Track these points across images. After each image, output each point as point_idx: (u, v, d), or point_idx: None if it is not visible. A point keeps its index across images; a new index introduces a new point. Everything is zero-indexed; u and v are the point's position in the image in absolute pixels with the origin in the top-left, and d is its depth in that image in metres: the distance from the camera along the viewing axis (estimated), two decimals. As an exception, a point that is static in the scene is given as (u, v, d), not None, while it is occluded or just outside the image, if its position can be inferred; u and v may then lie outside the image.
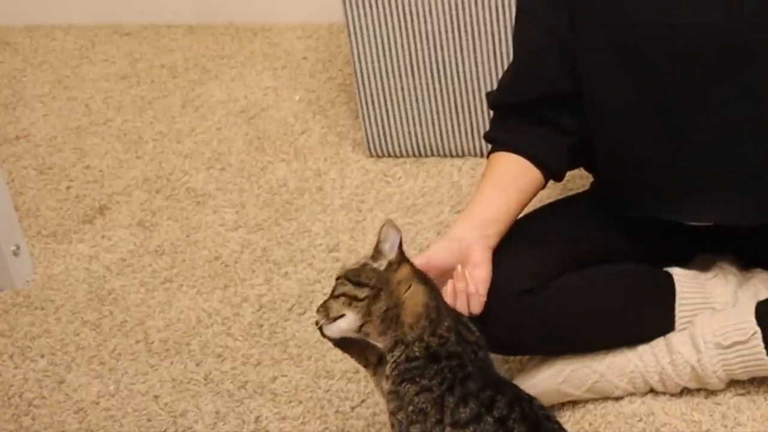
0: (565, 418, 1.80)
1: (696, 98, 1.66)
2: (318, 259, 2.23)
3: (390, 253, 1.51)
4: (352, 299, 1.50)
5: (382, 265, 1.51)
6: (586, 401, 1.81)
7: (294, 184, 2.45)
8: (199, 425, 1.91)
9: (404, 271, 1.52)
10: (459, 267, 1.61)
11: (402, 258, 1.52)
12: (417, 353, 1.49)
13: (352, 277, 1.51)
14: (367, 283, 1.50)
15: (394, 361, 1.50)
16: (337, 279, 1.53)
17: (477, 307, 1.61)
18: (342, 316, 1.51)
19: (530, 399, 1.50)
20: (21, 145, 2.72)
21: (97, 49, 3.09)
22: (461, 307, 1.60)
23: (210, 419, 1.91)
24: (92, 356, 2.08)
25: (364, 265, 1.52)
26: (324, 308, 1.52)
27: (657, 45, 1.65)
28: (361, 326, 1.50)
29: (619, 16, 1.66)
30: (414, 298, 1.51)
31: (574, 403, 1.82)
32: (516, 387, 1.53)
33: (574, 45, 1.70)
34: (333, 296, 1.52)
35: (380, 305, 1.49)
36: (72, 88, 2.93)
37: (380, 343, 1.51)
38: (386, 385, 1.51)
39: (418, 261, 1.61)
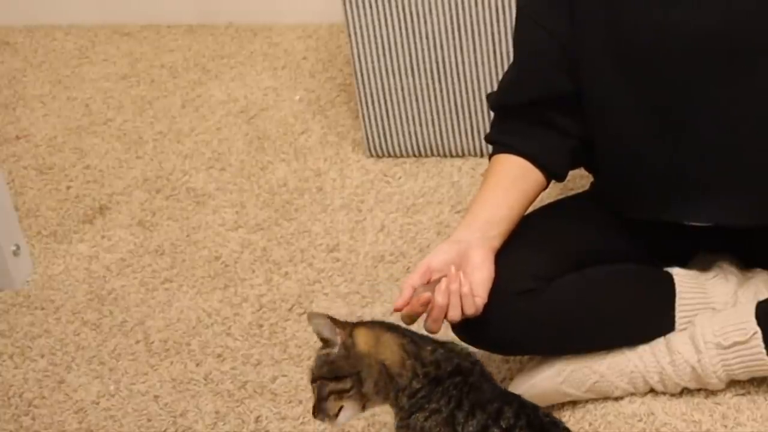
0: (565, 418, 1.80)
1: (695, 99, 1.66)
2: (318, 259, 2.23)
3: (333, 335, 1.51)
4: (342, 392, 1.51)
5: (340, 349, 1.51)
6: (586, 401, 1.81)
7: (294, 184, 2.45)
8: (199, 425, 1.91)
9: (363, 338, 1.51)
10: (452, 268, 1.61)
11: (351, 330, 1.51)
12: (418, 386, 1.50)
13: (328, 375, 1.51)
14: (345, 374, 1.51)
15: (399, 406, 1.51)
16: (314, 382, 1.53)
17: (471, 308, 1.61)
18: (341, 408, 1.52)
19: (535, 407, 1.50)
20: (21, 145, 2.72)
21: (97, 49, 3.09)
22: (454, 308, 1.60)
23: (210, 419, 1.91)
24: (92, 356, 2.08)
25: (328, 357, 1.51)
26: (321, 411, 1.52)
27: (656, 46, 1.65)
28: (363, 406, 1.53)
29: (618, 17, 1.66)
30: (389, 351, 1.51)
31: (574, 403, 1.82)
32: (520, 396, 1.53)
33: (574, 46, 1.70)
34: (322, 398, 1.52)
35: (369, 383, 1.51)
36: (72, 88, 2.93)
37: (386, 404, 1.53)
38: (395, 422, 1.52)
39: (418, 266, 1.61)
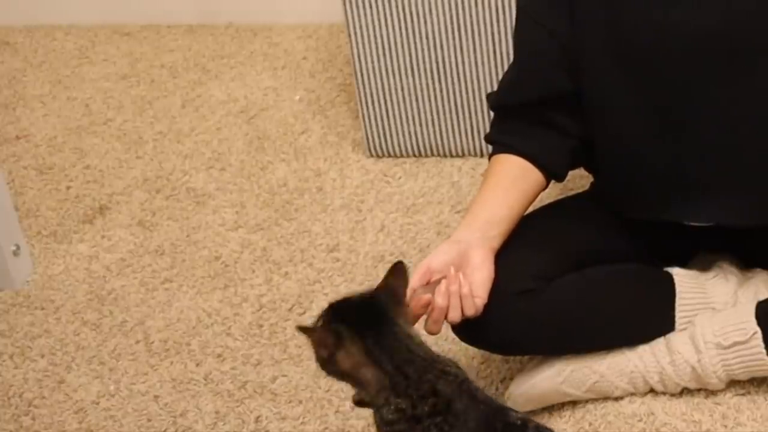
0: (565, 418, 1.80)
1: (695, 99, 1.66)
2: (318, 259, 2.23)
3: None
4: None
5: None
6: (586, 401, 1.81)
7: (294, 184, 2.45)
8: (199, 425, 1.91)
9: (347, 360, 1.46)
10: (452, 269, 1.61)
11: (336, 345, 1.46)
12: (392, 417, 1.44)
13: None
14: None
15: (376, 418, 1.47)
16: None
17: (471, 309, 1.61)
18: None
19: (524, 424, 1.44)
20: (21, 145, 2.72)
21: (97, 49, 3.09)
22: (454, 309, 1.60)
23: (210, 419, 1.91)
24: (92, 356, 2.08)
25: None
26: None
27: (656, 46, 1.65)
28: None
29: (618, 16, 1.66)
30: (369, 375, 1.46)
31: (574, 403, 1.82)
32: (507, 412, 1.46)
33: (574, 46, 1.70)
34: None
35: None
36: (72, 88, 2.93)
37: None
38: None
39: (418, 267, 1.61)
